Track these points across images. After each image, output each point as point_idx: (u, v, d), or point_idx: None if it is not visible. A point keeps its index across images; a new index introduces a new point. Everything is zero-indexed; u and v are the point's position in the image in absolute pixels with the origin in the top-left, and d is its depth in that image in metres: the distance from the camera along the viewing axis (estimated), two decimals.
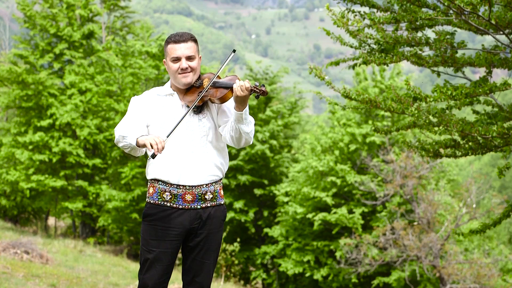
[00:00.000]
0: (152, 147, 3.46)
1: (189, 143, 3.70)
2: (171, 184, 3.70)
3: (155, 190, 3.74)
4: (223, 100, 3.69)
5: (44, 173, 18.35)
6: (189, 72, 3.73)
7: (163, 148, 3.49)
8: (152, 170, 3.75)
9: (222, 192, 3.85)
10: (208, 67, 20.99)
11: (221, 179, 3.83)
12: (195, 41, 3.76)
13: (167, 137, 3.58)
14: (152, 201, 3.75)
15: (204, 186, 3.74)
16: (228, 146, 3.92)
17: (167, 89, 3.82)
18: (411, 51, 5.51)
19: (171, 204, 3.72)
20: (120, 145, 3.64)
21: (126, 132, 3.60)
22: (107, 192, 17.56)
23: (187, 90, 3.80)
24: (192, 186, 3.71)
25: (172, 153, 3.70)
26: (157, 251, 3.71)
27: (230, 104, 3.78)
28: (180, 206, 3.72)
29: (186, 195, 3.71)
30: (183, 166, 3.70)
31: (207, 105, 3.80)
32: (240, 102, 3.58)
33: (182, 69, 3.70)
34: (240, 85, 3.54)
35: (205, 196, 3.75)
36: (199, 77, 3.81)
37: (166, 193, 3.71)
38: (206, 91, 3.70)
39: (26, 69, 18.60)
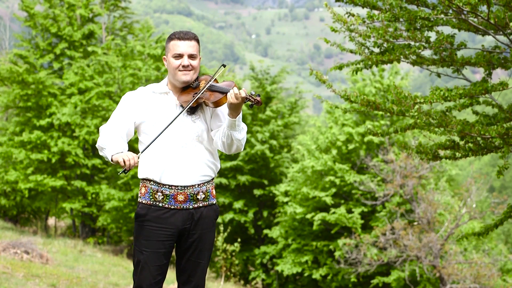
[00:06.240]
0: (124, 164, 3.50)
1: (181, 143, 3.71)
2: (163, 184, 3.71)
3: (147, 190, 3.74)
4: (217, 104, 3.70)
5: (43, 173, 18.33)
6: (190, 70, 3.74)
7: (135, 163, 3.52)
8: (144, 169, 3.76)
9: (214, 191, 3.86)
10: (208, 67, 20.95)
11: (213, 178, 3.84)
12: (198, 41, 3.79)
13: (156, 138, 3.61)
14: (144, 201, 3.75)
15: (196, 186, 3.75)
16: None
17: (163, 87, 3.83)
18: (409, 50, 5.49)
19: (163, 204, 3.72)
20: (99, 152, 3.69)
21: (107, 143, 3.63)
22: (106, 191, 17.55)
23: (183, 90, 3.80)
24: (184, 187, 3.71)
25: (163, 153, 3.71)
26: (149, 251, 3.71)
27: (224, 109, 3.78)
28: (172, 207, 3.72)
29: (178, 195, 3.72)
30: (174, 166, 3.70)
31: (201, 108, 3.81)
32: (234, 109, 3.61)
33: (183, 66, 3.72)
34: (235, 93, 3.57)
35: (197, 196, 3.75)
36: (197, 78, 3.82)
37: (158, 193, 3.71)
38: (202, 93, 3.71)
39: (27, 69, 18.59)
